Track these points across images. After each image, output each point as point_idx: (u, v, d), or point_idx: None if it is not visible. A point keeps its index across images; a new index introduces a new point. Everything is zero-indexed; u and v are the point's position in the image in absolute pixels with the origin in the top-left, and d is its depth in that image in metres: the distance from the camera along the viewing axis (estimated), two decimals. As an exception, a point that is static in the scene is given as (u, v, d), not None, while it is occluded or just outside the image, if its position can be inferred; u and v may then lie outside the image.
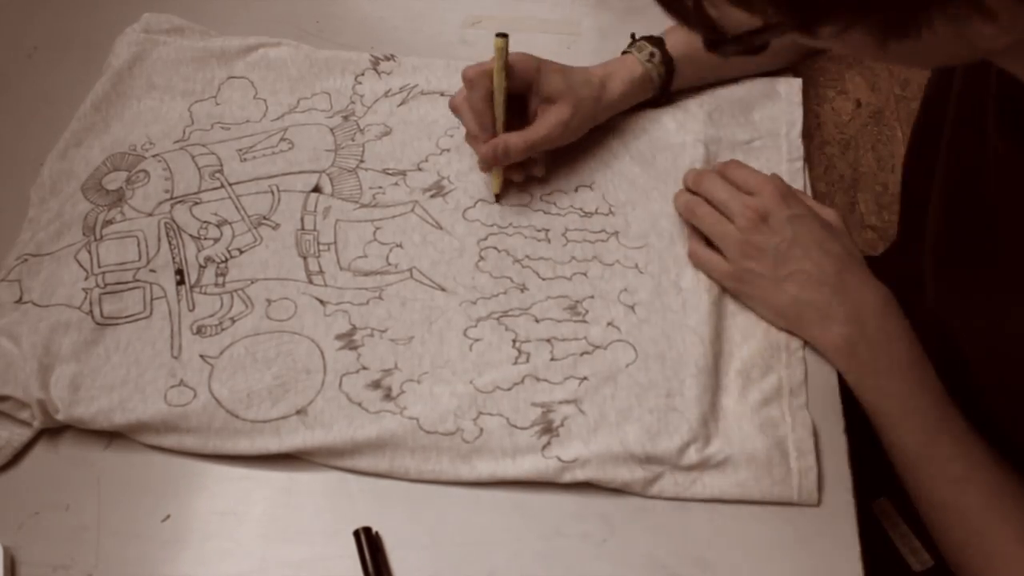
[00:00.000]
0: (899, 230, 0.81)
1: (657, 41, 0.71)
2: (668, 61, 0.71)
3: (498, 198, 0.69)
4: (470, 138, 0.69)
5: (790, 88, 0.75)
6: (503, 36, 0.64)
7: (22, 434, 0.59)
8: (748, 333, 0.62)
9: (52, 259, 0.65)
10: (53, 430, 0.59)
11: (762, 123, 0.73)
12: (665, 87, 0.72)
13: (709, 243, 0.65)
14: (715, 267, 0.63)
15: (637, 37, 0.73)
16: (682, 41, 0.71)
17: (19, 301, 0.63)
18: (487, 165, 0.68)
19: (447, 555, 0.55)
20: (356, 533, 0.54)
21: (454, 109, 0.69)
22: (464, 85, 0.66)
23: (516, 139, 0.66)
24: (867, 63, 1.83)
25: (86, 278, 0.64)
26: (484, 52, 0.77)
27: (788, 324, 0.62)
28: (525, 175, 0.70)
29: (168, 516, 0.56)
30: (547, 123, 0.67)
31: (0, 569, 0.54)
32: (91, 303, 0.63)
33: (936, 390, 0.57)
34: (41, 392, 0.58)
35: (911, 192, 0.73)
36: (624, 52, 0.73)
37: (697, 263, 0.65)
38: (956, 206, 0.60)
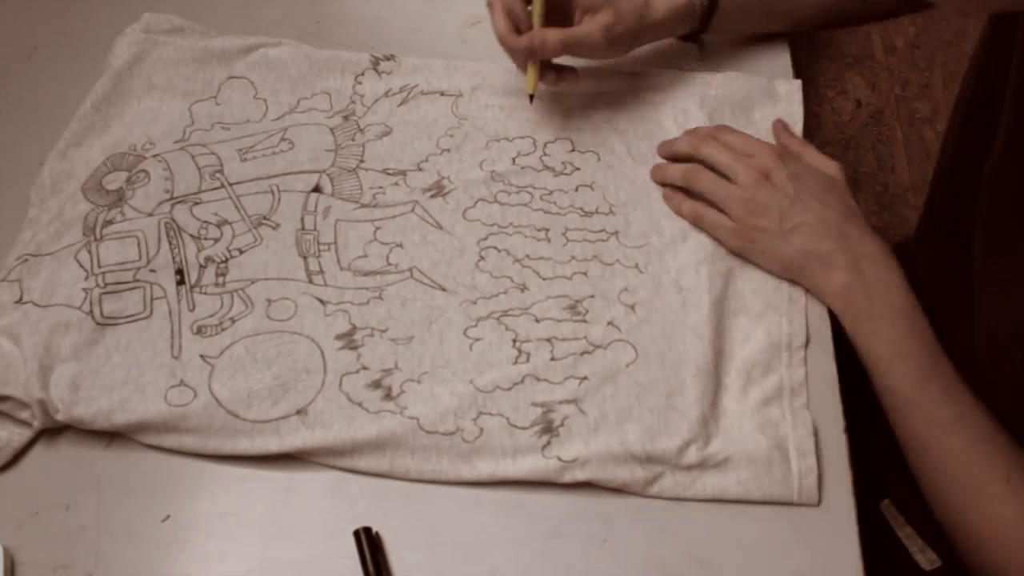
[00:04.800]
0: (925, 218, 0.80)
1: None
2: None
3: (532, 97, 0.71)
4: (500, 35, 0.68)
5: (791, 88, 0.75)
6: None
7: (22, 434, 0.59)
8: (749, 333, 0.62)
9: (52, 259, 0.65)
10: (53, 430, 0.59)
11: (763, 123, 0.73)
12: (706, 19, 0.73)
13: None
14: (721, 225, 0.65)
15: None
16: None
17: (19, 301, 0.63)
18: (522, 57, 0.68)
19: (447, 555, 0.55)
20: (356, 533, 0.54)
21: (490, 5, 0.69)
22: None
23: (553, 33, 0.67)
24: (866, 62, 1.83)
25: (86, 278, 0.64)
26: (484, 52, 0.77)
27: (792, 275, 0.64)
28: (560, 79, 0.71)
29: (168, 516, 0.56)
30: (590, 26, 0.68)
31: (0, 569, 0.54)
32: (91, 303, 0.63)
33: (929, 338, 0.59)
34: (41, 392, 0.58)
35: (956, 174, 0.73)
36: None
37: (701, 223, 0.66)
38: None
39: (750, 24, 0.77)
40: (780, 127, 0.71)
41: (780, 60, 0.78)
